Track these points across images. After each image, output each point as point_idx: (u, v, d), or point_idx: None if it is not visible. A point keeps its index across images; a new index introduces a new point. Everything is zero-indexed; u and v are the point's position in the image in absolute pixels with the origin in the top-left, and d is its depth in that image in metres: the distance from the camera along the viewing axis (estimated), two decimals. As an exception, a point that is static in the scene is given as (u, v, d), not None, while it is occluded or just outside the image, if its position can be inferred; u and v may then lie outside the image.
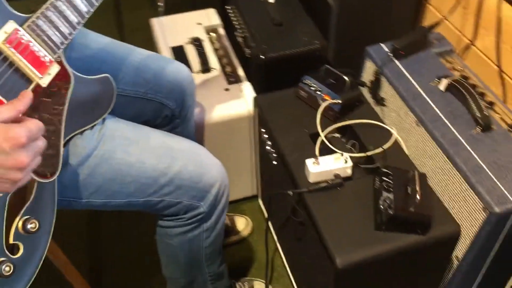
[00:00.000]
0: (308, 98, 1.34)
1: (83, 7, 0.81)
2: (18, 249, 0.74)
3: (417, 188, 1.04)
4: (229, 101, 1.49)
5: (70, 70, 0.83)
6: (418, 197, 1.03)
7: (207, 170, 1.03)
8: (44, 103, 0.78)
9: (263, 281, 1.49)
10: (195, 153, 1.04)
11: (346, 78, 1.31)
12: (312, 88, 1.32)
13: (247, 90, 1.54)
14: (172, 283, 1.23)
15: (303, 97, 1.35)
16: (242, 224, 1.61)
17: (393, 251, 1.04)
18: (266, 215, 1.64)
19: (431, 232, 1.06)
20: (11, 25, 0.72)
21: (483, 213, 1.13)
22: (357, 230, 1.07)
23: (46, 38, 0.76)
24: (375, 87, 1.49)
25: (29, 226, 0.74)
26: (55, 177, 0.81)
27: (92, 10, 0.82)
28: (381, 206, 1.07)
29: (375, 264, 1.04)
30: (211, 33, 1.78)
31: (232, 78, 1.58)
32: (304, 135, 1.27)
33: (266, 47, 1.60)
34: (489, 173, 1.16)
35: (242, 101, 1.50)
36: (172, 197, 1.00)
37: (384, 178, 1.11)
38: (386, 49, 1.49)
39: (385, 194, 1.08)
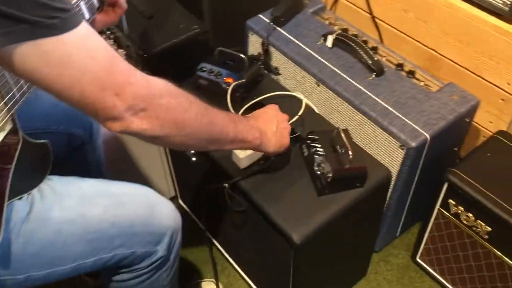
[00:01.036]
0: (210, 85, 1.29)
1: None
2: None
3: (347, 144, 1.07)
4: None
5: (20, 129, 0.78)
6: (350, 152, 1.06)
7: (159, 209, 0.94)
8: None
9: (211, 279, 1.45)
10: (141, 194, 0.94)
11: (243, 56, 1.28)
12: (211, 73, 1.28)
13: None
14: None
15: (204, 85, 1.30)
16: None
17: (341, 210, 1.07)
18: (193, 215, 1.58)
19: (368, 182, 1.10)
20: None
21: (401, 150, 1.21)
22: (302, 202, 1.07)
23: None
24: (265, 58, 1.49)
25: None
26: None
27: None
28: (317, 172, 1.09)
29: (328, 229, 1.06)
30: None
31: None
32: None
33: (144, 44, 1.50)
34: (396, 112, 1.24)
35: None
36: (124, 249, 0.89)
37: (311, 144, 1.13)
38: (266, 20, 1.50)
39: (317, 159, 1.10)
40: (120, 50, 1.64)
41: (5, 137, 0.75)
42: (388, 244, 1.53)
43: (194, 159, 1.29)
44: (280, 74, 1.49)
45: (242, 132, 0.87)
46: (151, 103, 0.67)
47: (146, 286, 0.99)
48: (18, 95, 0.75)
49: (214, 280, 1.40)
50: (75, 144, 1.09)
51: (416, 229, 1.57)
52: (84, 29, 0.61)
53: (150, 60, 1.48)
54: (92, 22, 0.97)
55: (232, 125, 0.84)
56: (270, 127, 0.95)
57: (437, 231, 1.33)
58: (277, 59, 1.48)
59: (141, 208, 0.91)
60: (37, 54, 0.57)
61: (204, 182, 1.32)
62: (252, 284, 1.43)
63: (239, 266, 1.47)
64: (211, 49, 1.61)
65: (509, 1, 1.20)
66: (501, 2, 1.21)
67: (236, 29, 1.62)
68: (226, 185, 1.11)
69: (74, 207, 0.84)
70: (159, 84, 0.69)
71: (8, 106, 0.74)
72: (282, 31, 1.48)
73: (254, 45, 1.54)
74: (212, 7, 1.58)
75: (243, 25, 1.55)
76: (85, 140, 1.11)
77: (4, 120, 0.75)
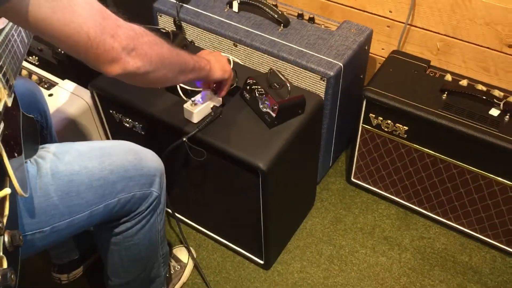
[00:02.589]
0: (142, 62, 1.37)
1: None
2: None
3: (283, 79, 1.23)
4: (62, 103, 1.41)
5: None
6: (288, 84, 1.22)
7: (144, 155, 1.03)
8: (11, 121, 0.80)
9: (181, 245, 1.53)
10: (124, 145, 1.02)
11: (166, 29, 1.38)
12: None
13: (70, 87, 1.47)
14: (131, 285, 1.19)
15: (135, 64, 1.38)
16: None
17: (292, 134, 1.23)
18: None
19: (306, 108, 1.28)
20: None
21: (323, 82, 1.40)
22: (258, 137, 1.21)
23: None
24: (180, 35, 1.60)
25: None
26: None
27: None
28: (263, 109, 1.24)
29: (284, 153, 1.21)
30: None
31: (45, 84, 1.48)
32: (162, 92, 1.32)
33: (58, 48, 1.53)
34: (310, 52, 1.43)
35: (73, 97, 1.43)
36: (126, 193, 0.98)
37: (252, 87, 1.27)
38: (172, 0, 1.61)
39: (260, 98, 1.24)
40: (31, 58, 1.65)
41: (8, 106, 0.81)
42: (325, 175, 1.74)
43: (142, 133, 1.37)
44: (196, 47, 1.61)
45: (197, 61, 1.01)
46: (138, 42, 0.77)
47: (146, 231, 1.07)
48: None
49: (184, 244, 1.49)
50: (36, 127, 1.11)
51: (343, 157, 1.79)
52: None
53: (72, 56, 1.51)
54: None
55: (189, 56, 0.98)
56: (211, 58, 1.11)
57: (364, 147, 1.55)
58: (191, 32, 1.60)
59: (130, 155, 1.00)
60: (48, 1, 0.65)
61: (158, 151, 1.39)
62: (220, 238, 1.54)
63: (204, 228, 1.56)
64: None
65: None
66: None
67: (141, 13, 1.70)
68: (185, 138, 1.21)
69: (75, 161, 0.92)
70: (137, 26, 0.80)
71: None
72: (190, 7, 1.60)
73: (166, 25, 1.64)
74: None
75: (146, 9, 1.64)
76: (43, 124, 1.16)
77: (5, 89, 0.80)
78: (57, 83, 1.49)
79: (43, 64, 1.62)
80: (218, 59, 1.15)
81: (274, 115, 1.22)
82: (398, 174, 1.54)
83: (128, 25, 0.77)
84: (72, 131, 1.42)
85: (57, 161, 0.90)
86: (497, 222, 1.43)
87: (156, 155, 1.08)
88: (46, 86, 1.48)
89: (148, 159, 1.04)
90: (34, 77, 1.50)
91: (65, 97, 1.43)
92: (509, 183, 1.32)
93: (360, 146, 1.56)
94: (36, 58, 1.63)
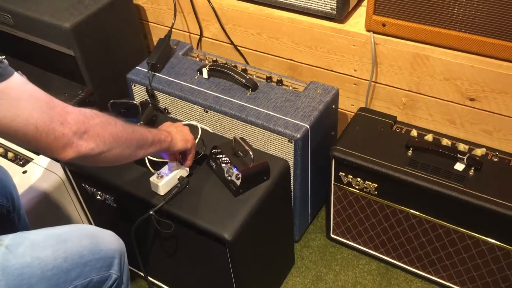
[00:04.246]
0: (112, 135, 1.41)
1: None
2: None
3: (246, 148, 1.25)
4: (36, 179, 1.44)
5: None
6: (250, 153, 1.24)
7: (101, 237, 1.05)
8: None
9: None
10: (81, 229, 1.04)
11: (134, 102, 1.42)
12: (110, 125, 1.39)
13: (45, 162, 1.50)
14: None
15: (106, 137, 1.41)
16: None
17: (257, 201, 1.24)
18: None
19: (272, 174, 1.29)
20: None
21: (290, 144, 1.42)
22: (223, 206, 1.23)
23: None
24: (153, 103, 1.64)
25: None
26: None
27: None
28: (228, 177, 1.26)
29: (251, 221, 1.22)
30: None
31: (20, 161, 1.52)
32: (131, 164, 1.35)
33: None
34: (277, 115, 1.46)
35: (47, 173, 1.46)
36: (82, 278, 0.98)
37: (217, 157, 1.29)
38: (144, 69, 1.66)
39: (225, 167, 1.26)
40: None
41: None
42: (305, 232, 1.73)
43: (115, 205, 1.39)
44: (170, 113, 1.66)
45: (156, 134, 1.05)
46: (89, 124, 0.81)
47: None
48: None
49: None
50: (1, 212, 1.15)
51: (323, 212, 1.80)
52: (18, 76, 0.74)
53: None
54: None
55: (146, 131, 1.02)
56: (172, 129, 1.16)
57: (339, 204, 1.55)
58: (163, 100, 1.64)
59: (86, 239, 1.01)
60: None
61: (123, 225, 1.40)
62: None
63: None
64: (100, 107, 1.73)
65: (334, 7, 1.50)
66: (329, 8, 1.51)
67: (116, 84, 1.76)
68: (151, 212, 1.22)
69: (27, 253, 0.93)
70: (87, 109, 0.84)
71: None
72: (162, 75, 1.65)
73: (139, 93, 1.69)
74: (89, 70, 1.71)
75: (122, 79, 1.69)
76: (9, 207, 1.18)
77: None
78: (32, 159, 1.52)
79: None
80: (180, 129, 1.18)
81: (238, 183, 1.23)
82: (374, 229, 1.54)
83: (77, 110, 0.81)
84: (47, 207, 1.44)
85: (9, 254, 0.91)
86: (475, 275, 1.41)
87: (115, 235, 1.09)
88: (21, 162, 1.51)
89: (106, 241, 1.05)
90: (10, 154, 1.54)
91: (39, 173, 1.46)
92: (481, 237, 1.31)
93: (335, 203, 1.57)
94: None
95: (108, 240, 1.06)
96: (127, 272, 1.12)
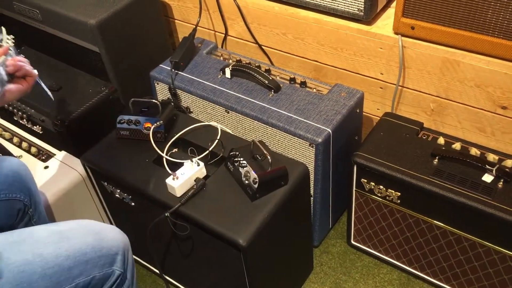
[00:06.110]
0: (132, 134, 1.41)
1: None
2: None
3: (264, 151, 1.23)
4: (56, 175, 1.45)
5: None
6: (269, 157, 1.22)
7: (105, 234, 1.04)
8: None
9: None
10: (85, 225, 1.04)
11: (155, 101, 1.41)
12: (130, 123, 1.39)
13: (66, 158, 1.52)
14: None
15: (126, 135, 1.41)
16: None
17: (274, 207, 1.21)
18: (145, 262, 1.65)
19: (290, 179, 1.26)
20: None
21: (311, 148, 1.39)
22: (240, 210, 1.21)
23: None
24: (175, 101, 1.64)
25: None
26: None
27: None
28: (245, 181, 1.23)
29: (267, 227, 1.20)
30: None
31: (43, 156, 1.54)
32: (149, 164, 1.34)
33: (60, 114, 1.59)
34: (299, 118, 1.42)
35: (67, 169, 1.47)
36: (84, 276, 0.98)
37: (234, 160, 1.27)
38: (167, 67, 1.65)
39: (243, 170, 1.24)
40: (35, 127, 1.71)
41: None
42: (325, 237, 1.70)
43: (133, 204, 1.39)
44: (192, 112, 1.64)
45: None
46: None
47: None
48: None
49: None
50: (19, 207, 1.16)
51: (344, 217, 1.75)
52: None
53: (70, 127, 1.57)
54: (4, 93, 1.05)
55: None
56: None
57: (360, 211, 1.51)
58: (186, 99, 1.63)
59: (89, 236, 1.01)
60: None
61: (141, 226, 1.39)
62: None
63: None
64: (123, 104, 1.73)
65: (361, 8, 1.45)
66: (356, 9, 1.46)
67: (140, 81, 1.76)
68: (167, 214, 1.21)
69: (30, 250, 0.93)
70: None
71: None
72: (184, 74, 1.63)
73: (162, 92, 1.68)
74: (114, 67, 1.71)
75: (146, 77, 1.69)
76: (27, 202, 1.19)
77: None
78: (55, 154, 1.53)
79: (46, 133, 1.68)
80: None
81: (255, 187, 1.21)
82: (396, 238, 1.49)
83: None
84: (67, 203, 1.45)
85: (12, 251, 0.91)
86: (501, 292, 1.35)
87: (119, 230, 1.09)
88: (43, 157, 1.53)
89: (109, 238, 1.04)
90: (33, 149, 1.56)
91: (60, 169, 1.48)
92: (509, 252, 1.25)
93: (356, 210, 1.52)
94: (40, 127, 1.69)
95: (112, 237, 1.05)
96: (131, 267, 1.11)
